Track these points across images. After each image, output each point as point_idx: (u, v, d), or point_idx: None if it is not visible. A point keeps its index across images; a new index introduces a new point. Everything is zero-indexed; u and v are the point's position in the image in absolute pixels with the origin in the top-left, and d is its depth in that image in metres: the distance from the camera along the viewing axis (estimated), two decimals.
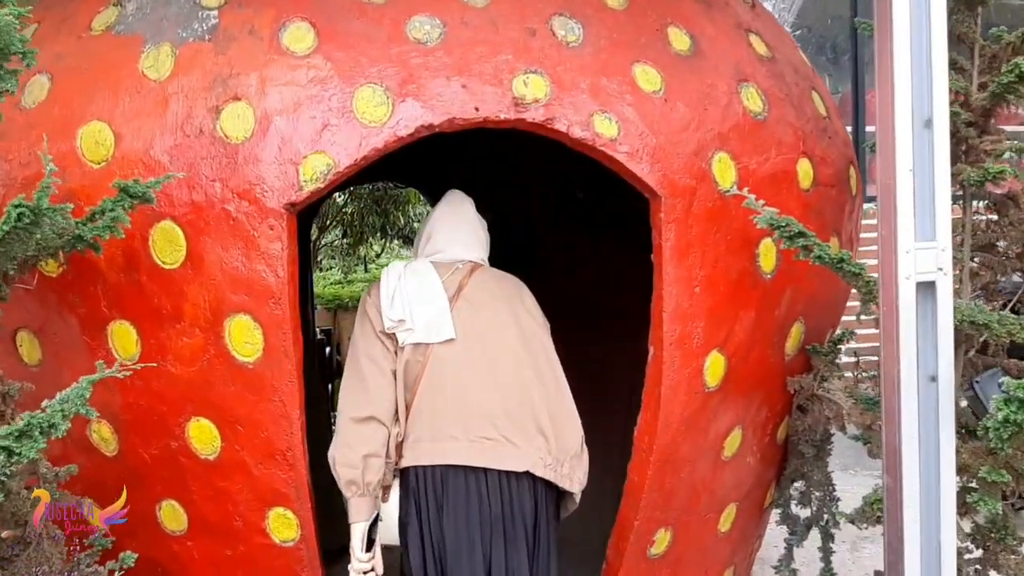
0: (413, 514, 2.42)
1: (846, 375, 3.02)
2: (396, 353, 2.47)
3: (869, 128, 6.90)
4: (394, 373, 2.45)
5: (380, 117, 2.49)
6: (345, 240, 12.09)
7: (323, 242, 12.36)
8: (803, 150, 2.95)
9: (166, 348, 2.55)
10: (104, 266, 2.52)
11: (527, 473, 2.39)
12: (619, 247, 3.64)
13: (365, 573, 2.39)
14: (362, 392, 2.43)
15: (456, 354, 2.44)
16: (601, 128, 2.59)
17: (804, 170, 2.93)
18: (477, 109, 2.53)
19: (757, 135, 2.84)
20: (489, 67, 2.57)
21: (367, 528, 2.39)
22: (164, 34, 2.61)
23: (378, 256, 13.60)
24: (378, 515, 2.44)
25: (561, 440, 2.43)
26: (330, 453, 2.42)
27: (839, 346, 3.02)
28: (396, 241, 12.35)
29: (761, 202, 2.61)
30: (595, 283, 4.19)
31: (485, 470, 2.37)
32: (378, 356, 2.46)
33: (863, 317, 2.66)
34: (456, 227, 2.70)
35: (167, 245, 2.49)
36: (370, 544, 2.40)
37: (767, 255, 2.80)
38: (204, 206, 2.47)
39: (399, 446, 2.44)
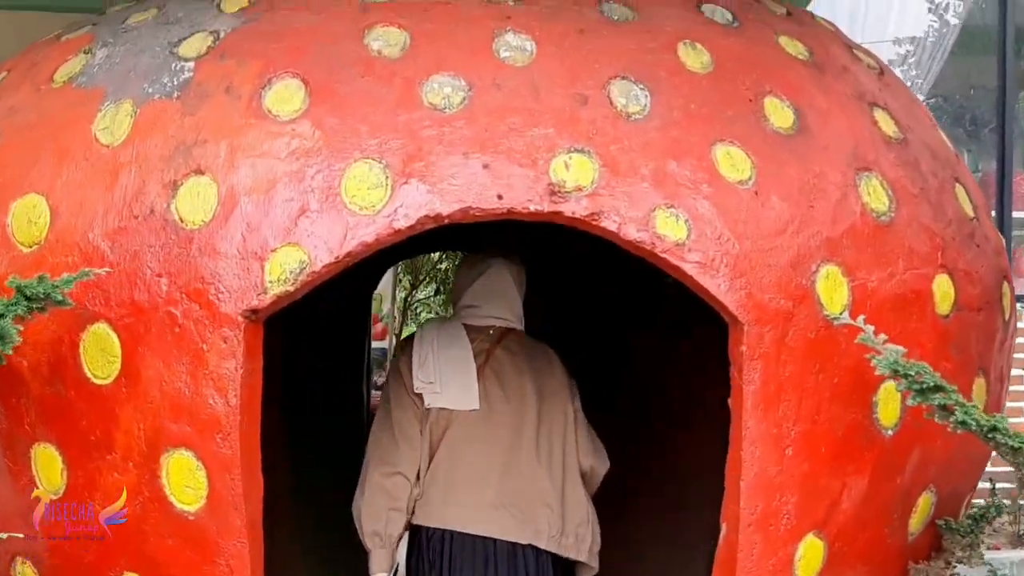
0: (420, 572, 2.46)
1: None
2: (423, 412, 2.46)
3: (1017, 214, 6.00)
4: (419, 430, 2.44)
5: (374, 202, 1.92)
6: (439, 296, 11.73)
7: (417, 297, 12.01)
8: (942, 263, 2.23)
9: (95, 483, 2.01)
10: (27, 374, 2.01)
11: (531, 544, 2.41)
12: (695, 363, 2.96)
13: None
14: (391, 449, 2.42)
15: (476, 423, 2.44)
16: (665, 228, 1.95)
17: (942, 290, 2.21)
18: (500, 197, 1.93)
19: (880, 242, 2.14)
20: (521, 143, 1.98)
21: None
22: (127, 89, 2.12)
23: None
24: (397, 566, 2.46)
25: (567, 513, 2.45)
26: (355, 504, 2.42)
27: (983, 524, 2.26)
28: None
29: (882, 337, 1.91)
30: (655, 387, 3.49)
31: (493, 539, 2.39)
32: (407, 415, 2.45)
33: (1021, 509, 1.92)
34: (491, 290, 2.58)
35: (99, 355, 1.96)
36: None
37: (888, 405, 2.09)
38: (146, 308, 1.94)
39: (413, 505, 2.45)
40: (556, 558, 2.46)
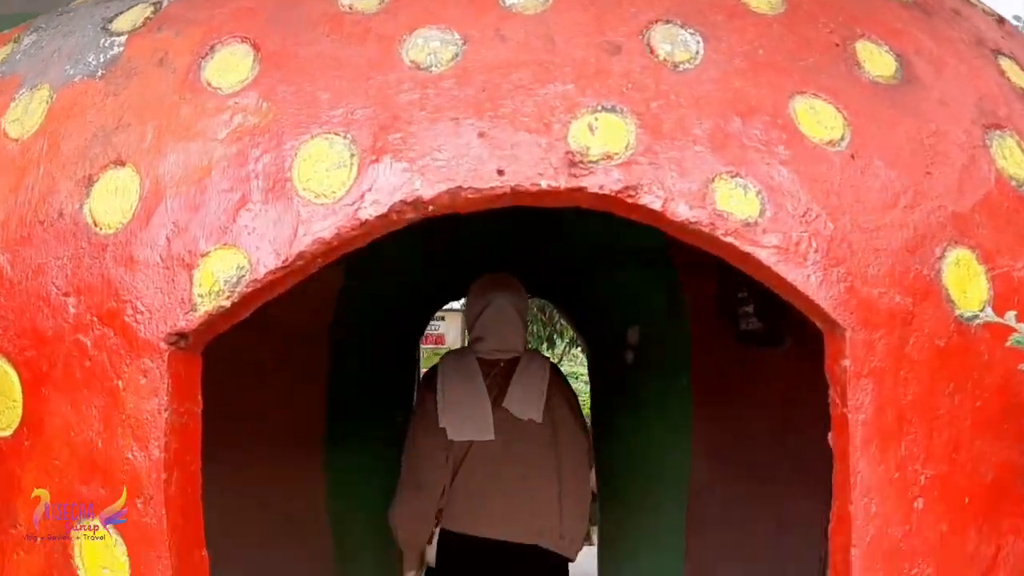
0: (446, 566, 2.94)
1: None
2: (448, 441, 2.85)
3: None
4: (446, 457, 2.85)
5: (334, 188, 1.45)
6: None
7: None
8: None
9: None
10: None
11: (535, 545, 2.88)
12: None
13: None
14: (420, 472, 2.87)
15: (491, 448, 2.85)
16: (728, 203, 1.43)
17: None
18: (501, 172, 1.45)
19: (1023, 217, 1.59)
20: (530, 104, 1.50)
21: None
22: (47, 73, 1.72)
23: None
24: (427, 567, 2.99)
25: (567, 521, 2.92)
26: (391, 517, 2.92)
27: None
28: (575, 349, 11.17)
29: None
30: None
31: (505, 541, 2.84)
32: (434, 443, 2.86)
33: None
34: (494, 325, 2.96)
35: None
36: None
37: None
38: (49, 337, 1.50)
39: (440, 511, 2.91)
40: (556, 556, 2.96)
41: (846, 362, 1.41)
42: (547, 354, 11.67)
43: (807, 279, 1.42)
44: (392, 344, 3.94)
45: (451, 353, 3.23)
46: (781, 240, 1.43)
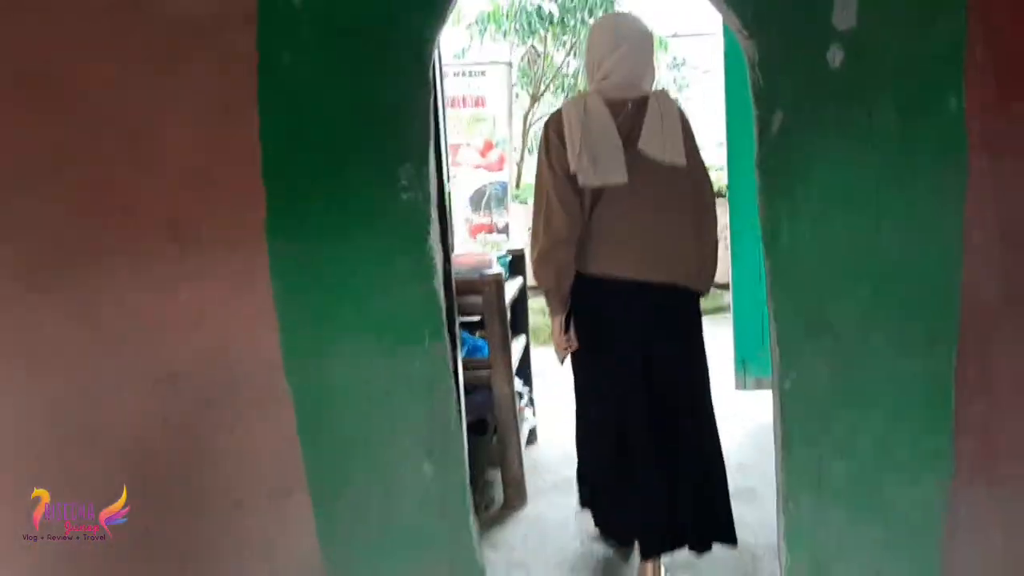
0: (583, 310, 3.04)
1: None
2: (579, 187, 2.84)
3: None
4: (581, 205, 2.87)
5: None
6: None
7: (538, 114, 9.94)
8: None
9: None
10: None
11: (672, 284, 2.96)
12: None
13: (566, 349, 3.10)
14: (556, 218, 2.88)
15: (624, 191, 2.84)
16: None
17: None
18: None
19: None
20: None
21: (563, 318, 3.06)
22: None
23: None
24: (571, 309, 3.07)
25: (706, 262, 3.00)
26: (533, 268, 3.03)
27: None
28: None
29: None
30: None
31: (642, 281, 2.91)
32: (568, 188, 2.86)
33: None
34: (626, 64, 2.88)
35: None
36: (566, 328, 3.07)
37: None
38: None
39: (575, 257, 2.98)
40: (690, 292, 3.05)
41: None
42: None
43: None
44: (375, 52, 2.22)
45: (572, 99, 3.13)
46: None
